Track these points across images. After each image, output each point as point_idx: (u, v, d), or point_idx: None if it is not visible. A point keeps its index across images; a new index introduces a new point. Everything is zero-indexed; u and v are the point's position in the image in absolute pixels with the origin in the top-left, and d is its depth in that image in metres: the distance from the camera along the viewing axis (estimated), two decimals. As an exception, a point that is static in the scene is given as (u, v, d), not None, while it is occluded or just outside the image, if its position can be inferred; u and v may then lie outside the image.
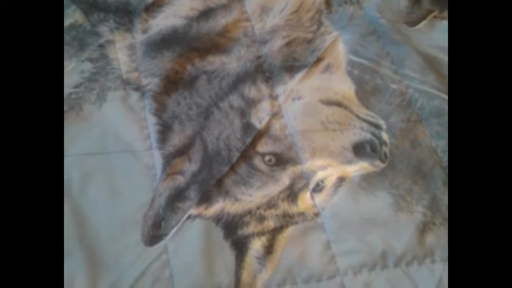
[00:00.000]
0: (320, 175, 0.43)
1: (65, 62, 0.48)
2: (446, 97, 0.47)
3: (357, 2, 0.54)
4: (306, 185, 0.43)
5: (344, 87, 0.48)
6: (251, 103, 0.47)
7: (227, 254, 0.39)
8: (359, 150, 0.44)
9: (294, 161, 0.44)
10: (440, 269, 0.39)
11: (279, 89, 0.48)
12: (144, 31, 0.51)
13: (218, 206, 0.41)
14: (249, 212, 0.41)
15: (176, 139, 0.45)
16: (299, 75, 0.49)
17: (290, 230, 0.41)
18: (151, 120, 0.46)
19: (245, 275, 0.39)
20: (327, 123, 0.46)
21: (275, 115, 0.46)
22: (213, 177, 0.43)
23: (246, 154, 0.44)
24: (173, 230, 0.40)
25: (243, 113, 0.46)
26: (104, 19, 0.52)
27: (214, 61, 0.49)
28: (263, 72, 0.49)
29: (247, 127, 0.45)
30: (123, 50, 0.50)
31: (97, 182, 0.42)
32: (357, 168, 0.43)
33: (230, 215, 0.41)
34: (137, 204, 0.41)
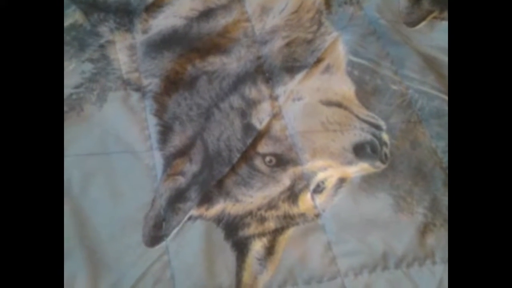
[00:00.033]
0: (320, 176, 0.43)
1: (65, 63, 0.48)
2: (446, 98, 0.47)
3: (357, 3, 0.54)
4: (306, 186, 0.43)
5: (344, 88, 0.48)
6: (252, 104, 0.47)
7: (228, 255, 0.39)
8: (360, 151, 0.44)
9: (295, 162, 0.44)
10: (440, 270, 0.39)
11: (279, 90, 0.48)
12: (145, 32, 0.51)
13: (219, 207, 0.41)
14: (250, 213, 0.41)
15: (177, 140, 0.45)
16: (299, 76, 0.49)
17: (290, 231, 0.41)
18: (152, 120, 0.46)
19: (246, 276, 0.39)
20: (327, 123, 0.46)
21: (276, 115, 0.46)
22: (213, 178, 0.43)
23: (247, 155, 0.44)
24: (174, 231, 0.40)
25: (244, 114, 0.46)
26: (104, 19, 0.52)
27: (215, 62, 0.49)
28: (263, 72, 0.49)
29: (248, 127, 0.46)
30: (123, 50, 0.50)
31: (98, 182, 0.42)
32: (358, 169, 0.43)
33: (231, 216, 0.41)
34: (138, 205, 0.41)
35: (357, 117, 0.46)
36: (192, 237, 0.40)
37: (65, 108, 0.45)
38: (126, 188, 0.42)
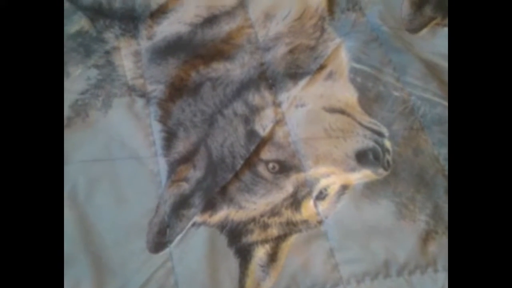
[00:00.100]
0: (323, 182, 0.44)
1: (71, 69, 0.49)
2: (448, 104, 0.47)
3: (359, 9, 0.54)
4: (309, 193, 0.43)
5: (347, 94, 0.48)
6: (255, 110, 0.47)
7: (231, 262, 0.40)
8: (362, 158, 0.44)
9: (298, 168, 0.44)
10: (442, 278, 0.39)
11: (283, 96, 0.48)
12: (149, 38, 0.52)
13: (223, 213, 0.42)
14: (253, 219, 0.42)
15: (181, 146, 0.45)
16: (302, 82, 0.49)
17: (293, 238, 0.41)
18: (156, 127, 0.46)
19: (249, 283, 0.39)
20: (330, 130, 0.46)
21: (279, 122, 0.47)
22: (217, 184, 0.43)
23: (250, 162, 0.44)
24: (178, 237, 0.40)
25: (247, 120, 0.47)
26: (110, 26, 0.52)
27: (219, 68, 0.50)
28: (267, 79, 0.49)
29: (251, 134, 0.46)
30: (128, 56, 0.50)
31: (102, 188, 0.42)
32: (360, 176, 0.44)
33: (234, 222, 0.41)
34: (142, 211, 0.42)
35: (360, 124, 0.46)
36: (196, 243, 0.40)
37: (70, 114, 0.46)
38: (131, 194, 0.42)
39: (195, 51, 0.51)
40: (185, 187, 0.43)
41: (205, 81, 0.49)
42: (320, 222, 0.42)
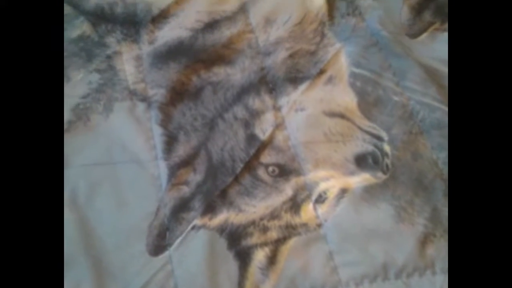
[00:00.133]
0: (322, 186, 0.44)
1: (73, 73, 0.49)
2: (447, 109, 0.48)
3: (359, 14, 0.55)
4: (308, 196, 0.43)
5: (347, 99, 0.49)
6: (255, 114, 0.48)
7: (231, 265, 0.40)
8: (361, 161, 0.44)
9: (297, 172, 0.44)
10: (440, 281, 0.39)
11: (283, 100, 0.49)
12: (151, 43, 0.52)
13: (222, 216, 0.42)
14: (253, 223, 0.42)
15: (181, 150, 0.45)
16: (302, 87, 0.49)
17: (293, 241, 0.41)
18: (157, 130, 0.46)
19: (248, 286, 0.39)
20: (329, 134, 0.46)
21: (279, 126, 0.47)
22: (217, 188, 0.43)
23: (250, 165, 0.44)
24: (178, 240, 0.41)
25: (247, 124, 0.47)
26: (112, 31, 0.52)
27: (219, 73, 0.50)
28: (267, 83, 0.50)
29: (251, 138, 0.46)
30: (130, 61, 0.51)
31: (103, 192, 0.43)
32: (359, 179, 0.44)
33: (234, 225, 0.42)
34: (142, 214, 0.42)
35: (359, 128, 0.47)
36: (195, 246, 0.40)
37: (72, 118, 0.46)
38: (131, 197, 0.43)
39: (196, 56, 0.51)
40: (185, 190, 0.43)
41: (206, 85, 0.49)
42: (319, 225, 0.42)
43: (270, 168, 0.44)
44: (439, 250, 0.40)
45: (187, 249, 0.40)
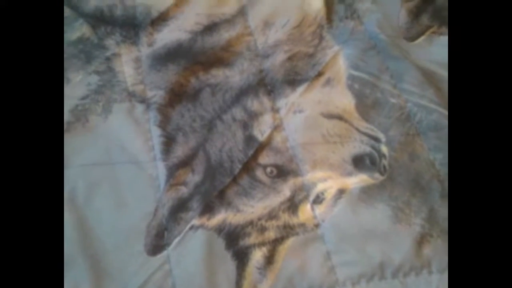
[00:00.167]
0: (320, 187, 0.44)
1: (72, 74, 0.49)
2: (444, 111, 0.48)
3: (357, 18, 0.55)
4: (306, 197, 0.43)
5: (345, 101, 0.49)
6: (254, 116, 0.48)
7: (229, 265, 0.40)
8: (359, 162, 0.45)
9: (295, 173, 0.45)
10: (436, 280, 0.40)
11: (281, 102, 0.49)
12: (150, 45, 0.52)
13: (220, 217, 0.42)
14: (251, 223, 0.42)
15: (180, 151, 0.46)
16: (300, 89, 0.50)
17: (290, 241, 0.41)
18: (156, 131, 0.47)
19: (246, 285, 0.39)
20: (327, 136, 0.47)
21: (277, 127, 0.47)
22: (215, 188, 0.43)
23: (248, 166, 0.45)
24: (176, 240, 0.41)
25: (246, 126, 0.47)
26: (111, 33, 0.53)
27: (218, 75, 0.50)
28: (265, 85, 0.50)
29: (249, 139, 0.46)
30: (129, 63, 0.51)
31: (102, 192, 0.43)
32: (357, 180, 0.44)
33: (232, 225, 0.42)
34: (141, 214, 0.42)
35: (357, 129, 0.47)
36: (194, 246, 0.41)
37: (71, 119, 0.46)
38: (130, 198, 0.43)
39: (195, 58, 0.51)
40: (184, 191, 0.43)
41: (204, 87, 0.50)
42: (317, 226, 0.42)
43: (268, 169, 0.45)
44: (435, 250, 0.41)
45: (185, 249, 0.40)
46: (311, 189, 0.44)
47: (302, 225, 0.42)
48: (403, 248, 0.41)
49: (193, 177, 0.44)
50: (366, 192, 0.43)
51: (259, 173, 0.44)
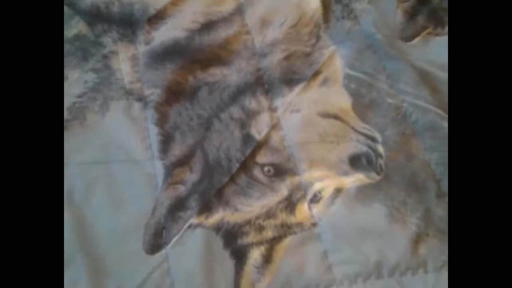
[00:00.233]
0: (317, 186, 0.44)
1: (69, 72, 0.49)
2: (440, 111, 0.48)
3: (354, 18, 0.55)
4: (303, 196, 0.44)
5: (341, 100, 0.49)
6: (251, 115, 0.48)
7: (227, 263, 0.40)
8: (355, 162, 0.45)
9: (292, 172, 0.45)
10: (432, 279, 0.40)
11: (278, 102, 0.49)
12: (147, 43, 0.52)
13: (218, 215, 0.42)
14: (248, 222, 0.42)
15: (177, 149, 0.46)
16: (297, 88, 0.50)
17: (288, 240, 0.42)
18: (153, 130, 0.47)
19: (244, 284, 0.40)
20: (324, 135, 0.47)
21: (274, 127, 0.47)
22: (213, 187, 0.44)
23: (246, 165, 0.45)
24: (174, 239, 0.41)
25: (243, 125, 0.47)
26: (108, 30, 0.53)
27: (215, 73, 0.50)
28: (263, 84, 0.50)
29: (247, 138, 0.47)
30: (126, 61, 0.51)
31: (99, 190, 0.43)
32: (354, 179, 0.44)
33: (230, 224, 0.42)
34: (139, 213, 0.42)
35: (354, 129, 0.47)
36: (192, 245, 0.41)
37: (68, 117, 0.46)
38: (128, 196, 0.43)
39: (193, 56, 0.51)
40: (182, 189, 0.44)
41: (202, 86, 0.50)
42: (314, 225, 0.43)
43: (266, 168, 0.45)
44: (431, 249, 0.41)
45: (184, 247, 0.41)
46: (308, 188, 0.44)
47: (300, 224, 0.43)
48: (399, 247, 0.41)
49: (191, 176, 0.44)
50: (363, 192, 0.44)
51: (257, 172, 0.45)
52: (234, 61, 0.51)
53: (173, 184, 0.44)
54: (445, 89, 0.50)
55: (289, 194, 0.44)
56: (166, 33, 0.53)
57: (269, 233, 0.42)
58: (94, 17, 0.53)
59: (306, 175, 0.45)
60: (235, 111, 0.48)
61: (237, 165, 0.45)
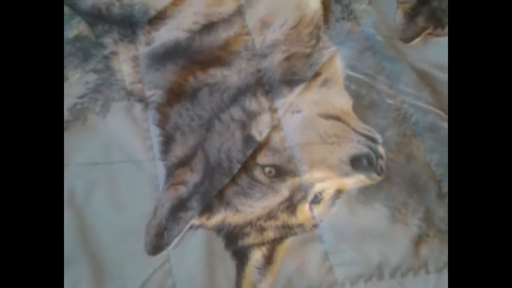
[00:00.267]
0: (318, 187, 0.44)
1: (70, 73, 0.49)
2: (440, 112, 0.48)
3: (354, 18, 0.55)
4: (304, 197, 0.44)
5: (342, 101, 0.49)
6: (252, 116, 0.48)
7: (228, 264, 0.40)
8: (356, 163, 0.45)
9: (293, 173, 0.45)
10: (433, 280, 0.40)
11: (279, 102, 0.49)
12: (148, 44, 0.52)
13: (220, 216, 0.42)
14: (250, 223, 0.42)
15: (179, 150, 0.46)
16: (298, 89, 0.50)
17: (289, 241, 0.42)
18: (155, 131, 0.47)
19: (246, 285, 0.40)
20: (325, 136, 0.47)
21: (275, 127, 0.48)
22: (214, 188, 0.44)
23: (247, 166, 0.45)
24: (176, 240, 0.41)
25: (244, 126, 0.47)
26: (109, 31, 0.53)
27: (216, 74, 0.51)
28: (263, 85, 0.50)
29: (248, 139, 0.47)
30: (127, 61, 0.51)
31: (101, 191, 0.43)
32: (354, 180, 0.44)
33: (231, 225, 0.42)
34: (140, 214, 0.42)
35: (354, 130, 0.47)
36: (193, 246, 0.41)
37: (69, 118, 0.46)
38: (129, 197, 0.43)
39: (193, 57, 0.51)
40: (183, 190, 0.44)
41: (202, 87, 0.50)
42: (315, 226, 0.43)
43: (267, 169, 0.45)
44: (432, 250, 0.41)
45: (185, 248, 0.41)
46: (309, 189, 0.44)
47: (301, 225, 0.43)
48: (401, 248, 0.41)
49: (192, 177, 0.44)
50: (364, 193, 0.44)
51: (258, 173, 0.45)
52: (235, 62, 0.51)
53: (175, 185, 0.44)
54: (445, 90, 0.50)
55: (290, 195, 0.44)
56: (167, 34, 0.53)
57: (270, 234, 0.42)
58: (95, 18, 0.53)
59: (307, 176, 0.45)
60: (236, 112, 0.48)
61: (238, 166, 0.45)
